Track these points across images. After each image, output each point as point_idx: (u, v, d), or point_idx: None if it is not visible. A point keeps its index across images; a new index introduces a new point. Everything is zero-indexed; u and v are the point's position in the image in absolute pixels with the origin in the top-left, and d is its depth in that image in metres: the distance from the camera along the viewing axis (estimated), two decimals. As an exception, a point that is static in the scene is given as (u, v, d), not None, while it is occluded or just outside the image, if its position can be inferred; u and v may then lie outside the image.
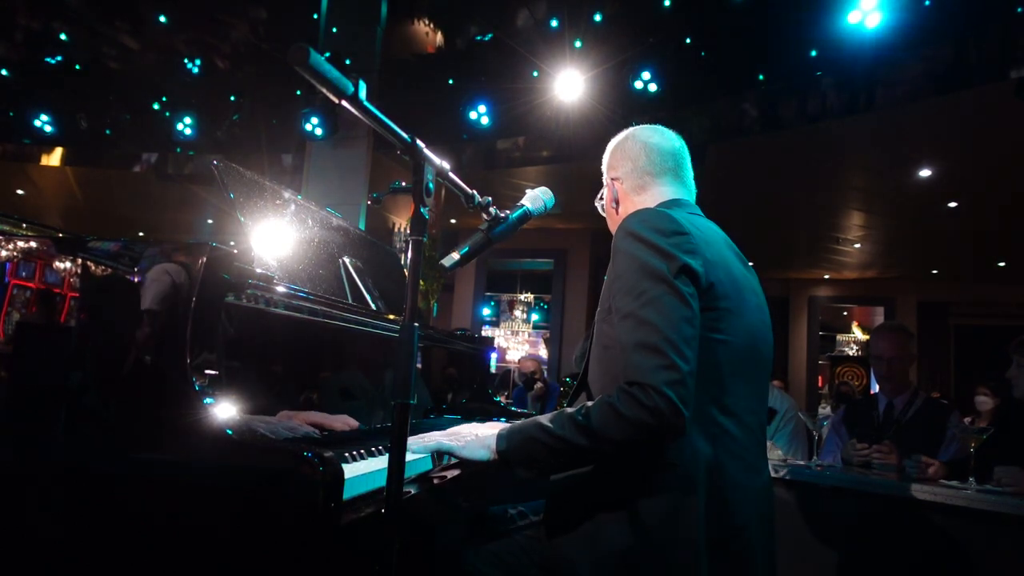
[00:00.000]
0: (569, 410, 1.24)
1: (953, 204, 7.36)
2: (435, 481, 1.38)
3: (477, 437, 1.33)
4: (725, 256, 1.37)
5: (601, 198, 1.66)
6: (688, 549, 1.19)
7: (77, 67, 8.20)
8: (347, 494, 1.06)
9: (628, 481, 1.25)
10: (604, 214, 1.65)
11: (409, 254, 1.06)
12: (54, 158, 8.54)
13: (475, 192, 1.34)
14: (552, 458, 1.25)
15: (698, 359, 1.22)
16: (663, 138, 1.58)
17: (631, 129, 1.61)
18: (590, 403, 1.22)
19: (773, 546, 1.35)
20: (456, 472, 1.41)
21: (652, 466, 1.24)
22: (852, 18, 4.85)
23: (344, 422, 1.49)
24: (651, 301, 1.21)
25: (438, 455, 1.40)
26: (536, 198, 1.47)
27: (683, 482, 1.22)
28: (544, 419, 1.26)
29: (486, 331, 10.33)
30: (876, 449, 2.73)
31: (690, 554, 1.19)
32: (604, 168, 1.63)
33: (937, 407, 3.02)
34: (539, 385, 5.29)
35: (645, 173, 1.54)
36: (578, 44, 6.27)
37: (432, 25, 8.15)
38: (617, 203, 1.58)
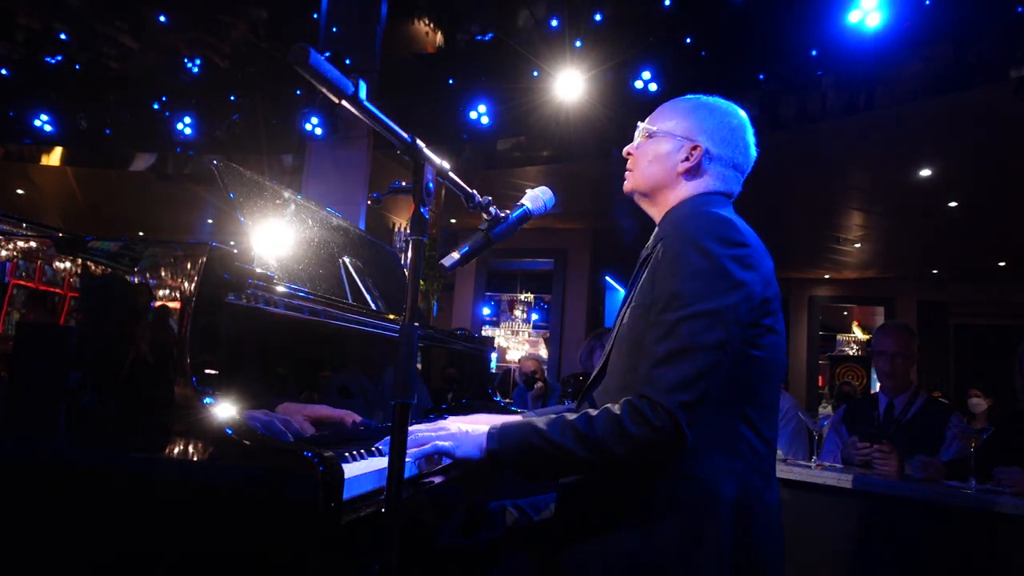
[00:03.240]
0: (569, 416, 1.22)
1: (953, 204, 7.36)
2: (434, 481, 1.37)
3: (467, 434, 1.30)
4: (771, 268, 1.33)
5: (645, 137, 1.47)
6: (711, 565, 1.17)
7: (77, 67, 8.20)
8: (347, 494, 1.06)
9: (648, 492, 1.22)
10: (644, 164, 1.45)
11: (409, 254, 1.06)
12: (54, 158, 8.54)
13: (475, 192, 1.34)
14: (544, 464, 1.22)
15: (733, 374, 1.20)
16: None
17: (731, 105, 1.47)
18: (592, 411, 1.20)
19: (782, 555, 1.34)
20: (454, 472, 1.40)
21: (674, 478, 1.21)
22: (852, 18, 4.85)
23: (350, 417, 1.48)
24: (691, 317, 1.17)
25: (428, 458, 1.35)
26: (536, 198, 1.46)
27: (706, 496, 1.20)
28: (540, 422, 1.23)
29: (486, 331, 10.33)
30: (877, 449, 2.72)
31: (714, 569, 1.17)
32: (678, 121, 1.44)
33: (938, 407, 3.01)
34: (539, 385, 5.28)
35: (731, 166, 1.43)
36: (578, 44, 6.27)
37: (432, 25, 8.15)
38: (687, 171, 1.41)
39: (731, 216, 1.31)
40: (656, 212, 1.48)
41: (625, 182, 1.51)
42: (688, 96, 1.49)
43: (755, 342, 1.25)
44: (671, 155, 1.42)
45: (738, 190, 1.47)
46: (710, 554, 1.17)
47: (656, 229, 1.45)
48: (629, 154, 1.51)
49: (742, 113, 1.48)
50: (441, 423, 1.43)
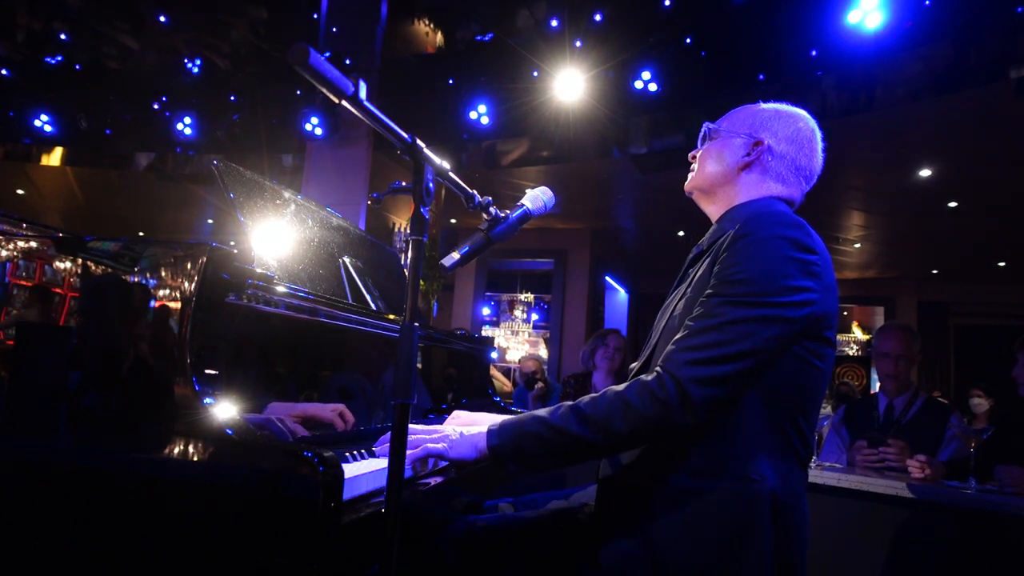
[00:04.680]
0: (570, 403, 1.21)
1: (953, 204, 7.36)
2: (433, 481, 1.37)
3: (462, 435, 1.28)
4: (835, 280, 1.30)
5: (708, 139, 1.47)
6: (755, 567, 1.15)
7: (77, 67, 8.21)
8: (347, 494, 1.06)
9: (698, 490, 1.20)
10: (705, 163, 1.44)
11: (409, 254, 1.06)
12: (54, 158, 8.55)
13: (475, 192, 1.33)
14: (547, 451, 1.20)
15: (795, 381, 1.20)
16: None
17: (803, 113, 1.45)
18: (596, 394, 1.20)
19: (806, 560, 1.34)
20: (452, 473, 1.39)
21: (727, 477, 1.19)
22: (852, 18, 4.86)
23: (339, 412, 1.47)
24: (735, 304, 1.16)
25: (422, 462, 1.32)
26: (536, 198, 1.46)
27: (754, 498, 1.18)
28: (541, 412, 1.23)
29: (486, 331, 10.34)
30: (884, 452, 2.72)
31: (756, 571, 1.15)
32: (743, 119, 1.44)
33: (937, 407, 3.01)
34: (540, 385, 5.28)
35: (793, 167, 1.40)
36: (578, 44, 6.28)
37: (432, 25, 8.16)
38: (746, 166, 1.40)
39: (803, 221, 1.28)
40: (714, 210, 1.46)
41: (687, 182, 1.50)
42: (760, 102, 1.48)
43: (818, 352, 1.24)
44: (733, 152, 1.41)
45: (800, 199, 1.44)
46: (754, 556, 1.16)
47: (713, 227, 1.43)
48: (694, 157, 1.50)
49: (813, 123, 1.45)
50: (437, 425, 1.41)
